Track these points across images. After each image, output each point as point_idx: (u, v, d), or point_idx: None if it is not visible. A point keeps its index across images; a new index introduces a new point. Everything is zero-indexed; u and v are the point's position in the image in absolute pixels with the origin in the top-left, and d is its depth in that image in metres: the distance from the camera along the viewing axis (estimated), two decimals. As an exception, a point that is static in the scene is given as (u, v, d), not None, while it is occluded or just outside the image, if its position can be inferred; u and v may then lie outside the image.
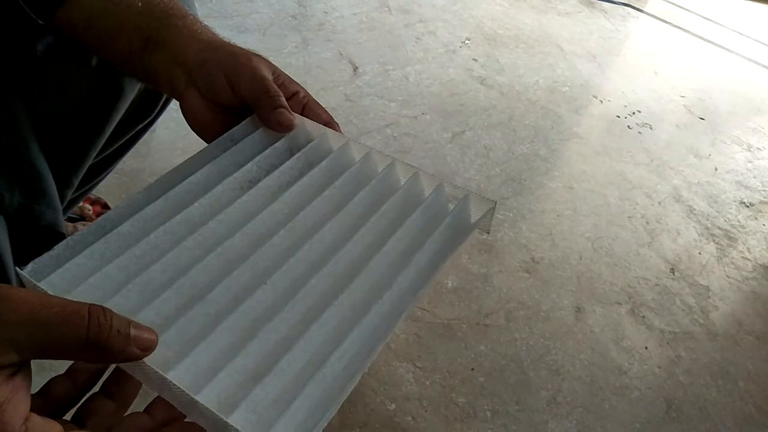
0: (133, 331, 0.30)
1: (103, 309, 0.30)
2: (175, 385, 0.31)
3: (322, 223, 0.41)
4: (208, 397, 0.31)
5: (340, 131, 0.50)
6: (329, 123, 0.49)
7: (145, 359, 0.31)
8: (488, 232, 0.46)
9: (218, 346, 0.34)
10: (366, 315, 0.36)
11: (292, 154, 0.46)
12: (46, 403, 0.33)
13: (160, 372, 0.31)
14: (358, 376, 0.33)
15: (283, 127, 0.46)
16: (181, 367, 0.32)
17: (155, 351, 0.31)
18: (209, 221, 0.39)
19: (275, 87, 0.47)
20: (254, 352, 0.33)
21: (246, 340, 0.33)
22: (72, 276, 0.35)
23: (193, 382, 0.31)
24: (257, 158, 0.45)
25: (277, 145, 0.46)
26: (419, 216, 0.43)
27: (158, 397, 0.33)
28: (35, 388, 0.33)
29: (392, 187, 0.45)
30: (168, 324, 0.34)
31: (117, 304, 0.31)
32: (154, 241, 0.38)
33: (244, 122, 0.48)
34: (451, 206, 0.44)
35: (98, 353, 0.29)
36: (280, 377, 0.33)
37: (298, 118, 0.48)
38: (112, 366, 0.34)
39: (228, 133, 0.47)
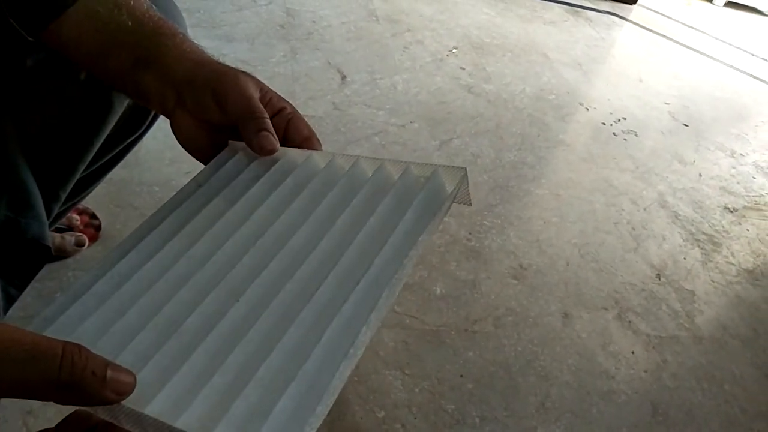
0: (109, 374, 0.29)
1: (80, 348, 0.28)
2: (152, 418, 0.30)
3: (291, 233, 0.41)
4: (187, 422, 0.30)
5: (320, 146, 0.50)
6: (309, 138, 0.50)
7: None
8: (470, 204, 0.44)
9: (194, 371, 0.33)
10: (344, 304, 0.35)
11: (257, 181, 0.46)
12: None
13: (137, 409, 0.30)
14: (345, 365, 0.32)
15: (265, 151, 0.47)
16: (158, 400, 0.31)
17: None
18: (179, 260, 0.40)
19: (260, 107, 0.47)
20: (231, 368, 0.33)
21: (222, 359, 0.33)
22: None
23: (171, 410, 0.31)
24: (223, 192, 0.45)
25: (242, 176, 0.47)
26: (390, 200, 0.42)
27: None
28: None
29: (359, 182, 0.45)
30: (145, 362, 0.33)
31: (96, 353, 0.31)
32: (128, 291, 0.38)
33: (213, 160, 0.48)
34: (422, 183, 0.44)
35: (71, 395, 0.28)
36: (259, 385, 0.32)
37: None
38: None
39: (195, 177, 0.47)
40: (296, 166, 0.47)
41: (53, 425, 0.34)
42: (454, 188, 0.43)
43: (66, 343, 0.28)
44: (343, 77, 1.62)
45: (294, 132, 0.50)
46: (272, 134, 0.47)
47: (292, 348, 0.34)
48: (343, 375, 0.32)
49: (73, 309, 0.37)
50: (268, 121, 0.47)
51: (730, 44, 2.61)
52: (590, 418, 0.94)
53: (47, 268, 0.97)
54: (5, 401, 0.79)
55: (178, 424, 0.30)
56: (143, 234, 0.42)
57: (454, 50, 1.92)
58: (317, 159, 0.48)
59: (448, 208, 0.43)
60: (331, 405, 0.32)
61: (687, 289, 1.22)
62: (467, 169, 0.43)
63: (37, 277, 0.60)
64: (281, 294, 0.37)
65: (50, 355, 0.27)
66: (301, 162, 0.47)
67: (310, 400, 0.31)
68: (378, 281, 0.37)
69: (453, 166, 0.43)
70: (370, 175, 0.45)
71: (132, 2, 0.49)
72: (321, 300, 0.36)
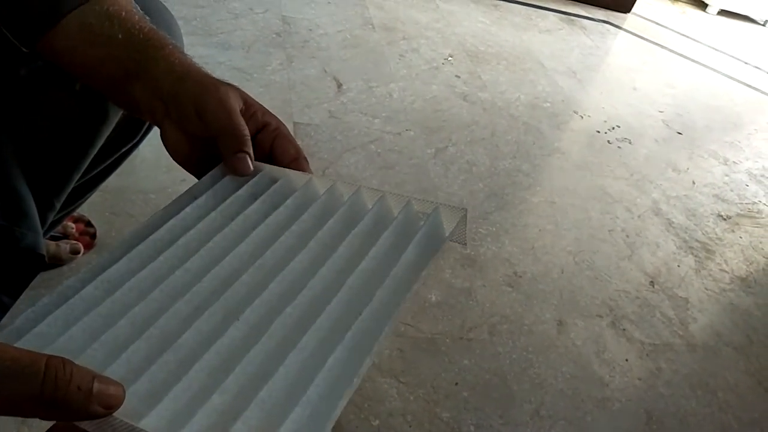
0: (96, 386, 0.28)
1: (64, 362, 0.27)
2: None
3: (291, 256, 0.40)
4: None
5: (308, 167, 0.49)
6: (297, 159, 0.49)
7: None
8: (465, 244, 0.45)
9: (192, 388, 0.32)
10: (347, 333, 0.35)
11: (256, 199, 0.46)
12: None
13: (130, 422, 0.29)
14: (347, 394, 0.32)
15: (238, 173, 0.47)
16: (153, 415, 0.30)
17: (125, 402, 0.29)
18: (175, 271, 0.39)
19: (240, 123, 0.47)
20: (231, 388, 0.32)
21: (221, 378, 0.32)
22: (34, 346, 0.33)
23: (167, 428, 0.30)
24: (220, 207, 0.45)
25: (239, 192, 0.46)
26: (390, 234, 0.43)
27: None
28: None
29: (360, 213, 0.45)
30: (138, 375, 0.32)
31: (84, 364, 0.29)
32: (120, 299, 0.37)
33: (209, 173, 0.48)
34: (422, 221, 0.44)
35: (55, 411, 0.27)
36: (261, 409, 0.31)
37: (260, 165, 0.48)
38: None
39: (190, 188, 0.47)
40: (296, 189, 0.47)
41: None
42: (454, 228, 0.43)
43: (50, 357, 0.27)
44: (339, 85, 1.63)
45: (280, 152, 0.50)
46: (249, 155, 0.47)
47: (294, 373, 0.34)
48: (344, 403, 0.32)
49: (60, 312, 0.36)
50: (247, 139, 0.47)
51: (724, 53, 2.63)
52: (585, 426, 0.94)
53: (42, 277, 0.97)
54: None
55: None
56: (135, 242, 0.41)
57: (450, 58, 1.93)
58: (317, 184, 0.48)
59: (445, 246, 0.44)
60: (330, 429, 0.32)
61: (681, 297, 1.23)
62: (467, 210, 0.43)
63: (31, 285, 0.60)
64: (282, 317, 0.36)
65: (32, 371, 0.26)
66: (301, 185, 0.47)
67: (312, 427, 0.31)
68: (380, 313, 0.37)
69: (453, 206, 0.44)
70: (371, 207, 0.45)
71: (124, 14, 0.49)
72: (323, 327, 0.36)
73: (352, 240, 0.42)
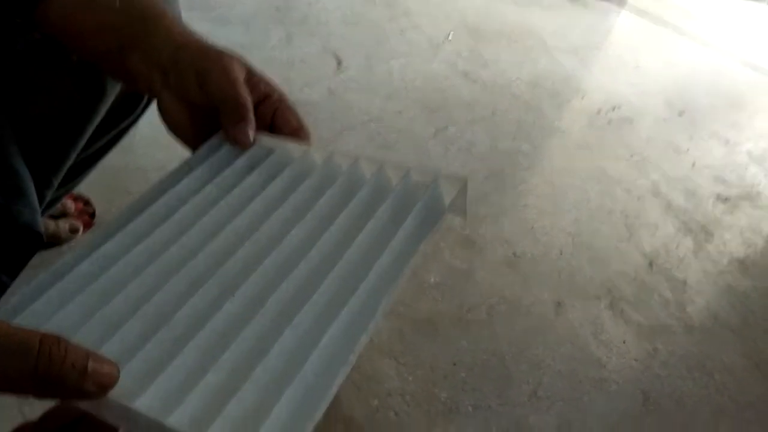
0: (91, 365, 0.28)
1: (58, 339, 0.27)
2: (141, 414, 0.29)
3: (287, 229, 0.40)
4: (179, 420, 0.29)
5: (310, 138, 0.48)
6: (299, 130, 0.48)
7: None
8: (464, 215, 0.44)
9: (187, 367, 0.32)
10: (342, 309, 0.35)
11: (252, 171, 0.45)
12: None
13: (124, 403, 0.29)
14: (343, 371, 0.32)
15: (239, 144, 0.46)
16: (147, 395, 0.30)
17: (120, 381, 0.29)
18: (171, 247, 0.38)
19: (244, 93, 0.46)
20: (226, 366, 0.32)
21: (216, 356, 0.32)
22: (29, 324, 0.32)
23: (161, 408, 0.29)
24: (216, 179, 0.44)
25: (236, 164, 0.45)
26: (389, 206, 0.42)
27: None
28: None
29: (358, 184, 0.44)
30: (133, 353, 0.32)
31: (79, 342, 0.29)
32: (115, 275, 0.37)
33: (206, 144, 0.47)
34: (422, 192, 0.43)
35: (50, 389, 0.27)
36: (256, 386, 0.31)
37: (258, 135, 0.47)
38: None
39: (186, 160, 0.46)
40: (292, 160, 0.46)
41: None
42: (454, 198, 0.42)
43: (44, 334, 0.27)
44: (339, 62, 1.61)
45: (282, 122, 0.49)
46: (251, 127, 0.46)
47: (289, 350, 0.33)
48: (340, 381, 0.32)
49: (54, 290, 0.36)
50: (250, 110, 0.46)
51: (728, 32, 2.60)
52: (582, 406, 0.95)
53: (40, 256, 0.97)
54: None
55: (169, 423, 0.29)
56: (131, 216, 0.41)
57: (451, 36, 1.91)
58: (315, 155, 0.47)
59: (445, 217, 0.43)
60: (326, 408, 0.31)
61: (679, 279, 1.23)
62: (467, 179, 0.42)
63: (30, 264, 0.59)
64: (277, 292, 0.36)
65: (26, 348, 0.26)
66: (298, 156, 0.46)
67: (308, 406, 0.31)
68: (377, 289, 0.37)
69: (454, 176, 0.42)
70: (369, 177, 0.44)
71: None
72: (319, 302, 0.36)
73: (349, 213, 0.41)
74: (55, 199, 0.80)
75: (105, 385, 0.29)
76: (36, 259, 0.60)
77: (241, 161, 0.46)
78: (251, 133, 0.46)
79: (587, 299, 1.13)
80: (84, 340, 0.30)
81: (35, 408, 0.76)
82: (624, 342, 1.07)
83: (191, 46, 0.47)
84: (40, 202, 0.60)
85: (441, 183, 0.43)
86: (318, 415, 0.30)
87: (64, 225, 0.98)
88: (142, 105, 0.72)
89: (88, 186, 1.07)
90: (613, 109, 1.77)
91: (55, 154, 0.61)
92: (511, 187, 1.36)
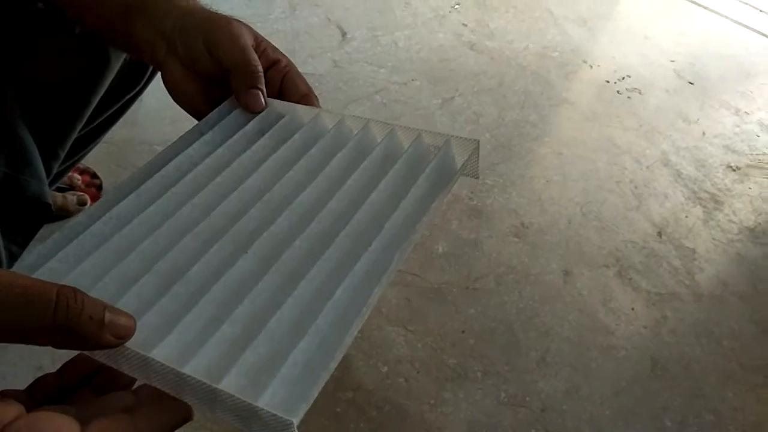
0: (108, 316, 0.28)
1: (75, 291, 0.28)
2: (159, 363, 0.29)
3: (299, 190, 0.40)
4: (195, 369, 0.30)
5: (318, 104, 0.49)
6: (307, 95, 0.48)
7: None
8: (477, 177, 0.44)
9: (202, 319, 0.33)
10: (356, 264, 0.35)
11: (263, 135, 0.45)
12: (31, 400, 0.31)
13: (142, 352, 0.30)
14: (357, 322, 0.32)
15: (251, 109, 0.46)
16: (164, 345, 0.31)
17: (136, 333, 0.30)
18: (183, 207, 0.39)
19: (255, 58, 0.46)
20: (241, 318, 0.33)
21: (231, 309, 0.33)
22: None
23: (178, 357, 0.30)
24: (228, 143, 0.44)
25: (247, 128, 0.46)
26: (401, 167, 0.42)
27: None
28: (21, 385, 0.32)
29: (369, 146, 0.45)
30: (149, 307, 0.33)
31: (95, 297, 0.30)
32: (129, 235, 0.37)
33: (216, 109, 0.47)
34: (433, 154, 0.43)
35: (67, 339, 0.28)
36: (270, 338, 0.32)
37: (269, 100, 0.47)
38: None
39: (198, 124, 0.46)
40: (303, 124, 0.47)
41: None
42: (466, 160, 0.43)
43: (60, 286, 0.27)
44: (344, 34, 1.59)
45: (291, 88, 0.49)
46: (263, 92, 0.46)
47: (303, 303, 0.34)
48: (354, 332, 0.32)
49: (70, 248, 0.36)
50: (261, 76, 0.46)
51: (740, 0, 2.55)
52: (590, 372, 0.95)
53: (49, 228, 0.97)
54: (15, 358, 0.80)
55: (186, 370, 0.29)
56: (144, 178, 0.41)
57: (457, 6, 1.88)
58: (325, 119, 0.47)
59: (457, 179, 0.43)
60: (340, 360, 0.32)
61: (688, 247, 1.23)
62: (479, 141, 0.42)
63: (39, 236, 0.60)
64: (290, 249, 0.36)
65: (44, 299, 0.27)
66: (309, 120, 0.47)
67: (322, 356, 0.31)
68: (390, 245, 0.37)
69: (465, 138, 0.43)
70: (380, 140, 0.44)
71: None
72: (332, 258, 0.36)
73: (361, 174, 0.42)
74: (62, 172, 0.80)
75: (122, 335, 0.29)
76: (45, 231, 0.60)
77: (253, 125, 0.46)
78: (263, 97, 0.46)
79: (595, 268, 1.13)
80: (100, 296, 0.31)
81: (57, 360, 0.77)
82: (632, 309, 1.07)
83: (196, 13, 0.47)
84: (47, 174, 0.60)
85: (453, 144, 0.43)
86: (333, 364, 0.31)
87: (72, 198, 0.98)
88: (146, 76, 0.72)
89: (95, 160, 1.07)
90: (622, 79, 1.74)
91: (61, 125, 0.61)
92: (519, 158, 1.35)
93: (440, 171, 0.43)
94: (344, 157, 0.43)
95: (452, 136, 0.43)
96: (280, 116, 0.47)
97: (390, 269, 0.35)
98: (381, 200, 0.40)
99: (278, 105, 0.48)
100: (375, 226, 0.38)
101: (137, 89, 0.72)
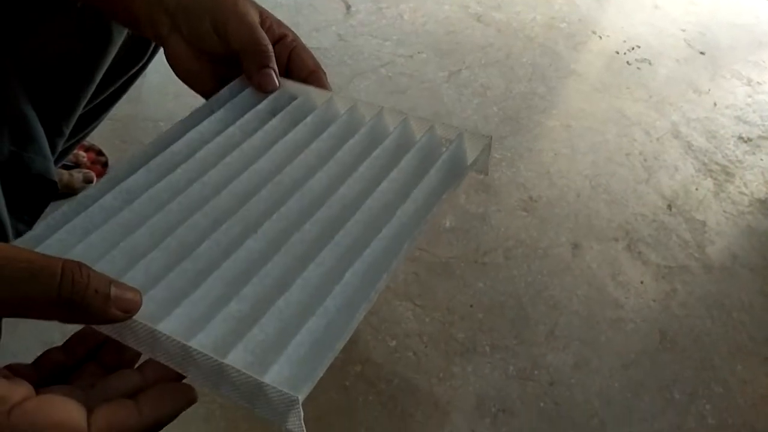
0: (113, 291, 0.28)
1: (80, 265, 0.28)
2: (165, 335, 0.29)
3: (311, 174, 0.40)
4: (202, 343, 0.29)
5: (326, 80, 0.48)
6: (315, 71, 0.48)
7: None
8: (486, 174, 0.44)
9: (210, 296, 0.33)
10: (366, 249, 0.35)
11: (275, 116, 0.45)
12: (38, 373, 0.31)
13: (149, 324, 0.30)
14: (364, 307, 0.32)
15: (265, 89, 0.45)
16: (171, 319, 0.30)
17: (143, 307, 0.30)
18: (193, 184, 0.39)
19: (264, 37, 0.45)
20: (249, 297, 0.33)
21: (239, 288, 0.33)
22: (53, 252, 0.32)
23: (185, 331, 0.30)
24: (239, 122, 0.44)
25: (259, 107, 0.45)
26: (412, 157, 0.42)
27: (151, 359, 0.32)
28: (31, 360, 0.32)
29: (382, 134, 0.44)
30: (156, 282, 0.33)
31: (102, 269, 0.30)
32: (138, 209, 0.37)
33: (227, 87, 0.47)
34: (445, 147, 0.43)
35: (73, 313, 0.27)
36: (278, 317, 0.32)
37: (281, 80, 0.47)
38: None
39: (208, 101, 0.46)
40: (316, 107, 0.46)
41: None
42: (478, 155, 0.43)
43: (65, 260, 0.27)
44: (348, 7, 1.57)
45: (299, 64, 0.48)
46: (275, 71, 0.46)
47: (312, 285, 0.34)
48: (361, 316, 0.32)
49: (78, 220, 0.36)
50: (272, 55, 0.46)
51: (751, -33, 2.49)
52: (599, 345, 0.95)
53: (55, 206, 0.97)
54: (25, 332, 0.80)
55: (193, 344, 0.29)
56: (153, 153, 0.41)
57: (463, -23, 1.85)
58: (338, 103, 0.47)
59: (467, 174, 0.43)
60: (346, 341, 0.32)
61: (698, 220, 1.22)
62: (491, 137, 0.42)
63: (45, 214, 0.60)
64: (300, 233, 0.36)
65: (49, 273, 0.27)
66: (321, 103, 0.46)
67: (329, 337, 0.31)
68: (399, 233, 0.37)
69: (478, 134, 0.43)
70: (393, 129, 0.44)
71: None
72: (342, 243, 0.36)
73: (372, 161, 0.41)
74: (67, 150, 0.80)
75: (128, 309, 0.29)
76: (51, 209, 0.60)
77: (264, 105, 0.46)
78: (275, 77, 0.46)
79: (605, 241, 1.12)
80: (107, 269, 0.31)
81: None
82: (642, 282, 1.06)
83: None
84: (52, 151, 0.60)
85: (465, 139, 0.43)
86: (339, 346, 0.31)
87: (78, 175, 0.98)
88: (149, 51, 0.71)
89: (99, 136, 1.06)
90: (632, 49, 1.71)
91: (64, 101, 0.61)
92: (527, 131, 1.33)
93: (451, 164, 0.43)
94: (357, 144, 0.43)
95: (465, 130, 0.43)
96: (293, 97, 0.47)
97: (399, 257, 0.35)
98: (392, 189, 0.40)
99: (291, 86, 0.47)
100: (386, 214, 0.38)
101: (141, 64, 0.71)
